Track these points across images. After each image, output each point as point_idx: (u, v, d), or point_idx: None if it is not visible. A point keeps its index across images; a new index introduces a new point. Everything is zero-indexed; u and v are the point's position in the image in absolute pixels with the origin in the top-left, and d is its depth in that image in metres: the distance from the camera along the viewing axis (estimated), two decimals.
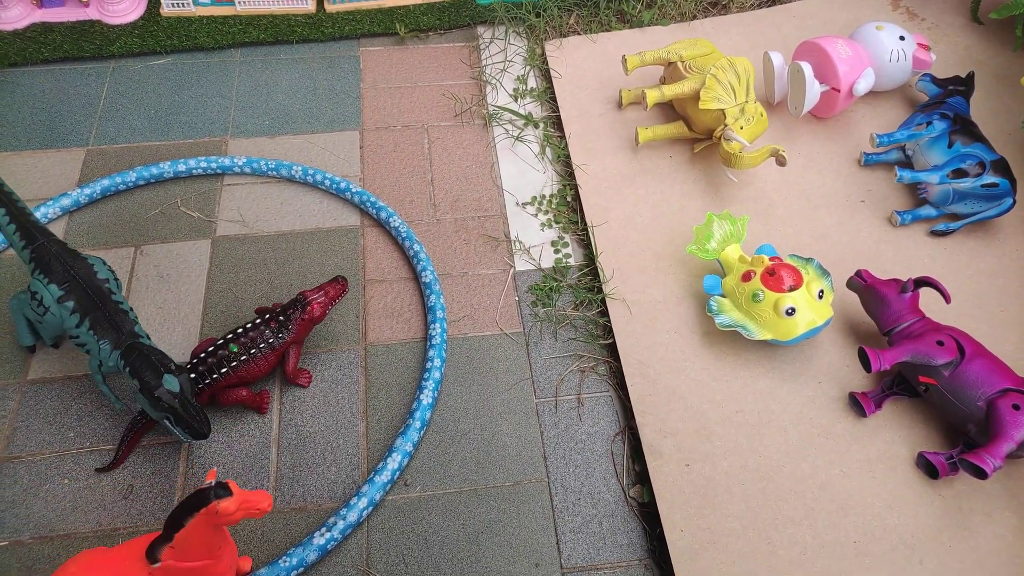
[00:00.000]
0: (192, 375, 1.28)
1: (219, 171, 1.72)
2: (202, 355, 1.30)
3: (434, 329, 1.46)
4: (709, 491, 1.25)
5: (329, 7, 2.04)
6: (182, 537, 0.97)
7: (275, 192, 1.71)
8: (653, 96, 1.64)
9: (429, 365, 1.41)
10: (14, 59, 1.91)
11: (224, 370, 1.29)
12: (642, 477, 1.32)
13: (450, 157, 1.80)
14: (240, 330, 1.33)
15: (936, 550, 1.17)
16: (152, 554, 0.98)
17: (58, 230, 1.62)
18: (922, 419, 1.31)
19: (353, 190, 1.67)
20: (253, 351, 1.31)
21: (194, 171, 1.70)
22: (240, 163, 1.71)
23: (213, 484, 0.95)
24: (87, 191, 1.64)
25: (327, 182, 1.69)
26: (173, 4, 1.98)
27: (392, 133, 1.84)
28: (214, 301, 1.53)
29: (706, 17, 2.04)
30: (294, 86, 1.93)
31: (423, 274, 1.54)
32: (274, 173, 1.72)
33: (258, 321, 1.33)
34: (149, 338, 1.27)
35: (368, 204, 1.66)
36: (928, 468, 1.24)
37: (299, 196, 1.71)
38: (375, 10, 2.07)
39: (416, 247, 1.58)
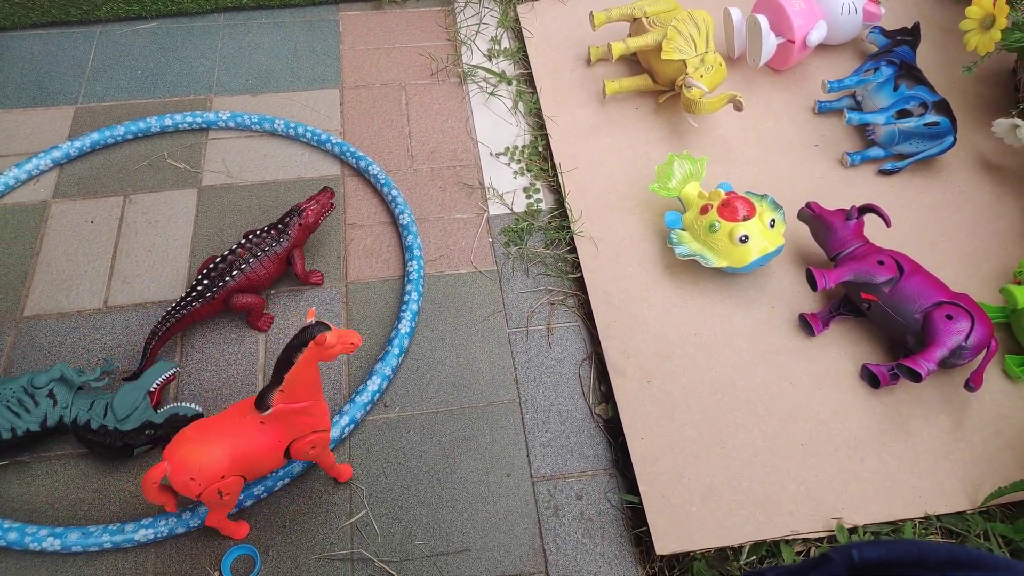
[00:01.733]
0: (205, 281, 1.39)
1: (204, 125, 1.79)
2: (212, 265, 1.40)
3: (411, 266, 1.54)
4: (668, 404, 1.34)
5: None
6: (291, 377, 1.05)
7: (258, 145, 1.79)
8: (618, 48, 1.73)
9: (407, 298, 1.49)
10: (2, 24, 1.97)
11: (234, 273, 1.39)
12: (607, 396, 1.41)
13: (427, 112, 1.88)
14: (243, 240, 1.43)
15: (876, 450, 1.27)
16: (263, 401, 1.07)
17: (49, 181, 1.69)
18: (866, 336, 1.41)
19: (333, 141, 1.75)
20: (259, 254, 1.42)
21: (180, 126, 1.78)
22: (224, 118, 1.79)
23: (314, 322, 1.03)
24: (77, 144, 1.71)
25: (308, 135, 1.77)
26: None
27: (371, 91, 1.92)
28: (201, 244, 1.60)
29: None
30: (276, 48, 2.00)
31: (400, 216, 1.62)
32: (257, 127, 1.79)
33: (260, 231, 1.45)
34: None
35: (348, 154, 1.73)
36: (871, 378, 1.33)
37: (281, 148, 1.78)
38: None
39: (394, 192, 1.66)
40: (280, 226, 1.47)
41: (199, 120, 1.78)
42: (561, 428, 1.38)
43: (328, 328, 1.05)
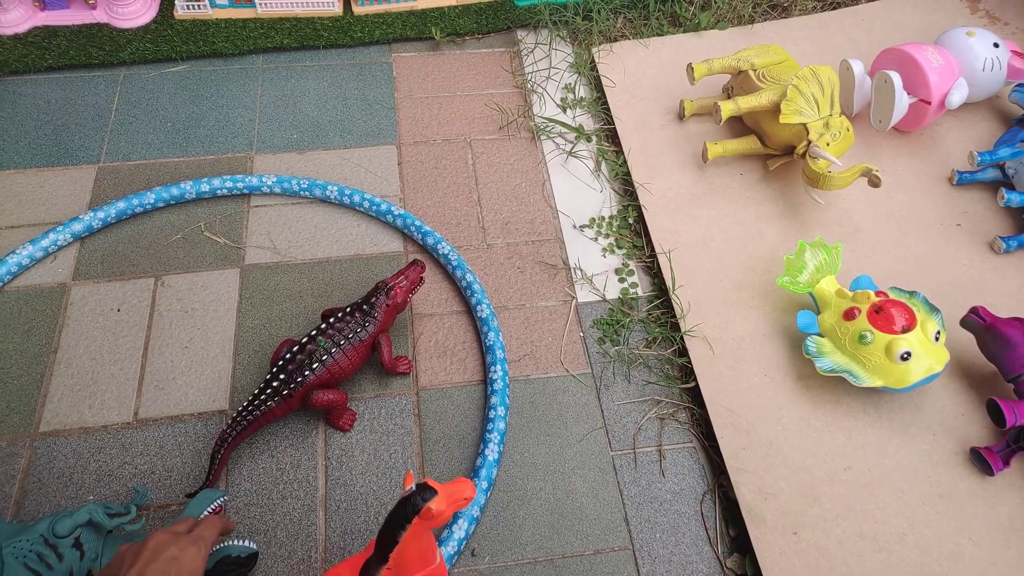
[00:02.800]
0: (281, 376, 1.17)
1: (246, 191, 1.56)
2: (287, 355, 1.19)
3: (495, 372, 1.31)
4: (823, 564, 1.10)
5: (357, 9, 1.88)
6: (398, 554, 0.86)
7: (308, 214, 1.55)
8: (728, 109, 1.49)
9: (492, 414, 1.26)
10: (15, 66, 1.74)
11: (315, 366, 1.18)
12: (739, 544, 1.17)
13: (497, 174, 1.65)
14: (323, 325, 1.22)
15: None
16: None
17: (69, 258, 1.46)
18: None
19: (395, 212, 1.51)
20: (342, 343, 1.21)
21: (218, 191, 1.54)
22: (269, 182, 1.55)
23: (414, 488, 0.83)
24: (100, 215, 1.48)
25: (365, 203, 1.53)
26: (188, 6, 1.82)
27: (432, 147, 1.69)
28: (246, 339, 1.37)
29: (766, 20, 1.89)
30: (323, 96, 1.77)
31: (478, 308, 1.38)
32: (307, 193, 1.56)
33: (342, 315, 1.24)
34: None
35: (412, 228, 1.50)
36: None
37: (335, 219, 1.55)
38: (406, 12, 1.91)
39: (469, 277, 1.42)
40: (365, 307, 1.26)
41: (240, 185, 1.55)
42: None
43: (434, 493, 0.84)
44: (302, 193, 1.56)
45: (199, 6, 1.82)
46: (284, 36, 1.84)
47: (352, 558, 0.93)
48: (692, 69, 1.57)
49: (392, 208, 1.52)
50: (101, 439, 1.24)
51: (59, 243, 1.45)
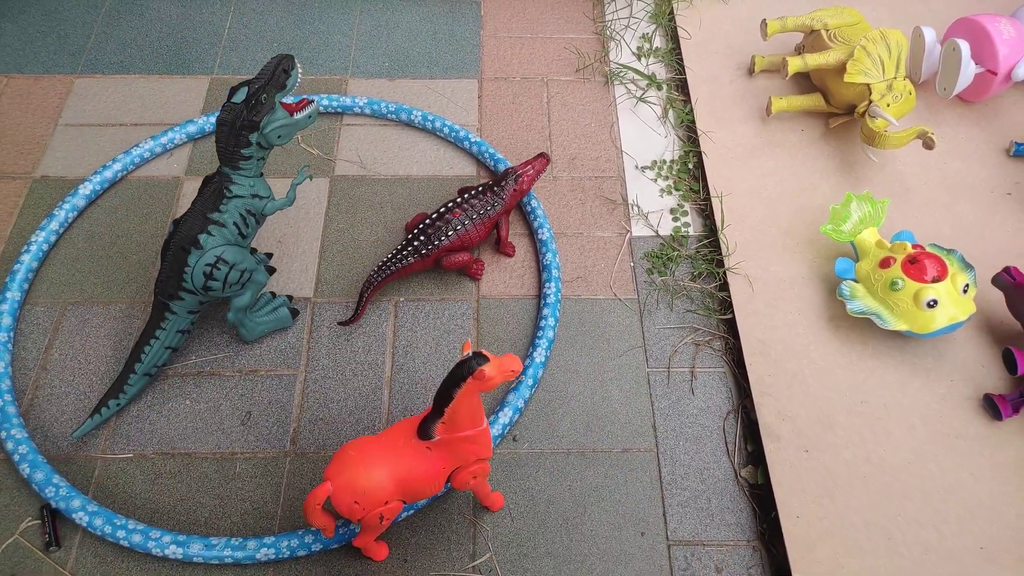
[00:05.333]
0: (421, 237, 1.39)
1: (340, 110, 1.72)
2: (427, 221, 1.41)
3: (549, 288, 1.44)
4: (828, 481, 1.21)
5: None
6: (452, 410, 1.00)
7: (393, 135, 1.70)
8: (795, 64, 1.56)
9: (543, 324, 1.40)
10: None
11: (450, 232, 1.39)
12: (754, 458, 1.29)
13: (569, 113, 1.76)
14: (459, 199, 1.43)
15: None
16: (426, 431, 1.03)
17: (183, 156, 1.65)
18: None
19: (472, 139, 1.65)
20: (474, 216, 1.41)
21: None
22: (361, 104, 1.71)
23: (471, 354, 0.98)
24: (212, 120, 1.66)
25: (445, 129, 1.67)
26: None
27: (511, 84, 1.81)
28: (331, 240, 1.54)
29: None
30: (414, 29, 1.90)
31: (539, 231, 1.52)
32: (393, 116, 1.71)
33: (475, 191, 1.44)
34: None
35: (486, 155, 1.63)
36: None
37: (417, 141, 1.70)
38: None
39: (533, 203, 1.55)
40: (495, 188, 1.45)
41: (335, 104, 1.71)
42: (701, 488, 1.27)
43: (486, 360, 0.98)
44: (389, 116, 1.71)
45: None
46: None
47: (412, 417, 1.08)
48: (765, 25, 1.64)
49: (469, 135, 1.66)
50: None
51: (176, 141, 1.64)
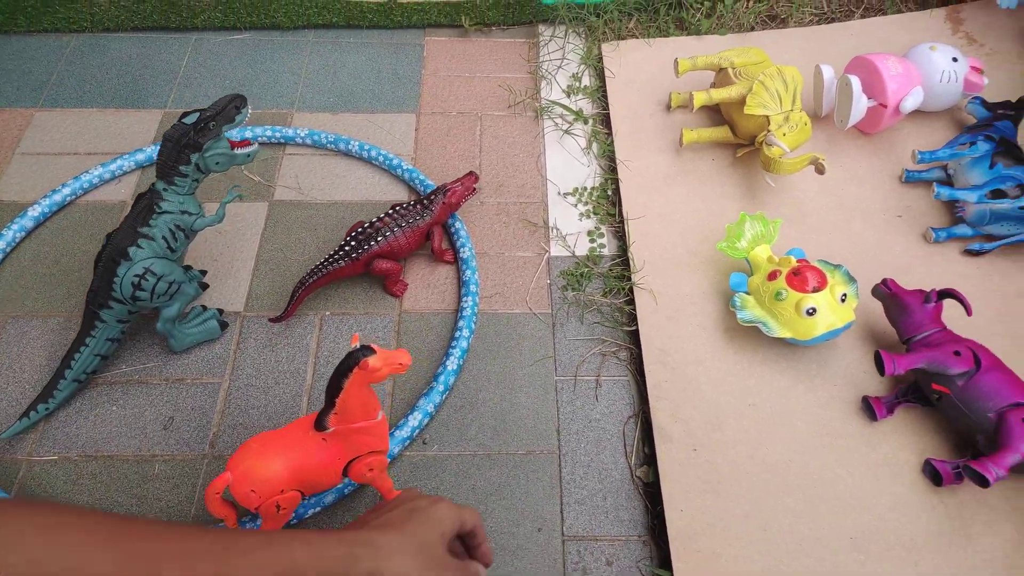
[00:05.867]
0: (352, 243, 1.49)
1: (282, 140, 1.83)
2: (359, 230, 1.51)
3: (466, 302, 1.53)
4: (713, 476, 1.28)
5: None
6: (342, 400, 1.06)
7: (332, 164, 1.81)
8: (700, 98, 1.69)
9: (457, 335, 1.48)
10: (107, 25, 2.07)
11: (379, 239, 1.49)
12: (651, 459, 1.36)
13: (499, 144, 1.88)
14: (390, 211, 1.53)
15: (932, 554, 1.18)
16: (321, 423, 1.09)
17: (131, 182, 1.75)
18: (932, 428, 1.32)
19: (404, 167, 1.76)
20: (404, 225, 1.51)
21: (259, 139, 1.82)
22: (303, 134, 1.82)
23: (359, 346, 1.04)
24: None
25: (380, 158, 1.78)
26: None
27: (447, 118, 1.93)
28: (265, 258, 1.63)
29: (764, 29, 2.07)
30: (360, 68, 2.03)
31: (461, 250, 1.61)
32: (332, 146, 1.82)
33: (406, 204, 1.55)
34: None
35: (416, 181, 1.74)
36: (933, 475, 1.25)
37: (354, 169, 1.81)
38: (443, 2, 2.16)
39: (457, 224, 1.65)
40: (425, 201, 1.56)
41: (278, 135, 1.82)
42: (599, 487, 1.34)
43: (372, 352, 1.05)
44: (328, 146, 1.82)
45: None
46: (334, 15, 2.12)
47: (313, 413, 1.15)
48: (677, 64, 1.77)
49: (402, 163, 1.77)
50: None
51: (124, 168, 1.75)
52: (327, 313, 1.55)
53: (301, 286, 1.48)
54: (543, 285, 1.61)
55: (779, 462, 1.29)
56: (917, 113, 1.79)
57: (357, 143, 1.80)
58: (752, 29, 2.07)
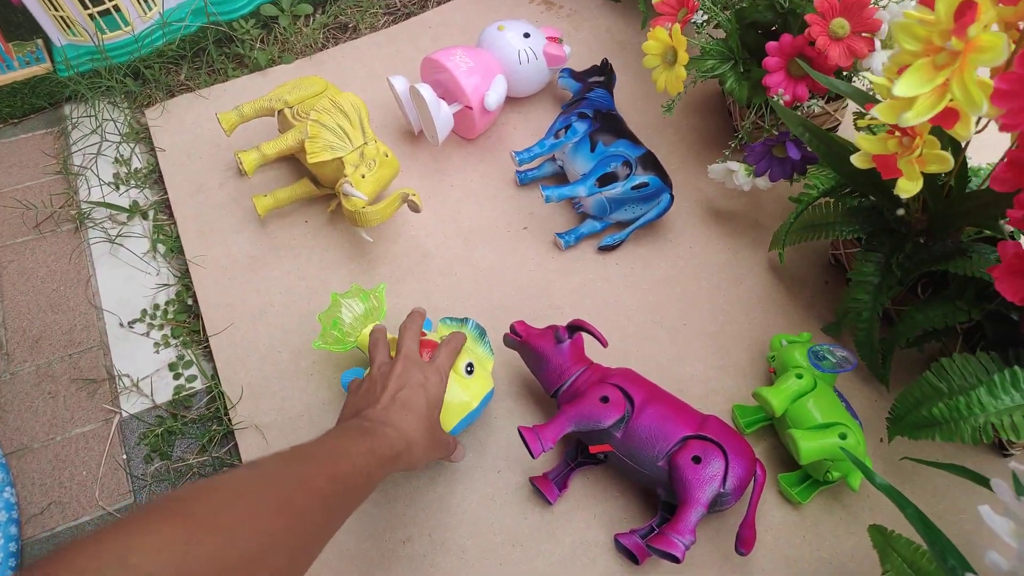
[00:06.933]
0: None
1: None
2: None
3: None
4: None
5: None
6: None
7: None
8: (251, 159, 1.33)
9: None
10: None
11: None
12: None
13: (29, 282, 1.39)
14: None
15: None
16: None
17: None
18: (617, 489, 1.09)
19: None
20: None
21: None
22: None
23: None
24: None
25: None
26: None
27: None
28: None
29: (336, 45, 1.76)
30: None
31: None
32: None
33: None
34: None
35: None
36: (628, 553, 1.01)
37: None
38: None
39: None
40: None
41: None
42: None
43: None
44: None
45: None
46: None
47: None
48: (220, 120, 1.39)
49: None
50: None
51: None
52: None
53: None
54: (118, 466, 1.18)
55: None
56: (518, 101, 1.58)
57: None
58: (323, 48, 1.75)
